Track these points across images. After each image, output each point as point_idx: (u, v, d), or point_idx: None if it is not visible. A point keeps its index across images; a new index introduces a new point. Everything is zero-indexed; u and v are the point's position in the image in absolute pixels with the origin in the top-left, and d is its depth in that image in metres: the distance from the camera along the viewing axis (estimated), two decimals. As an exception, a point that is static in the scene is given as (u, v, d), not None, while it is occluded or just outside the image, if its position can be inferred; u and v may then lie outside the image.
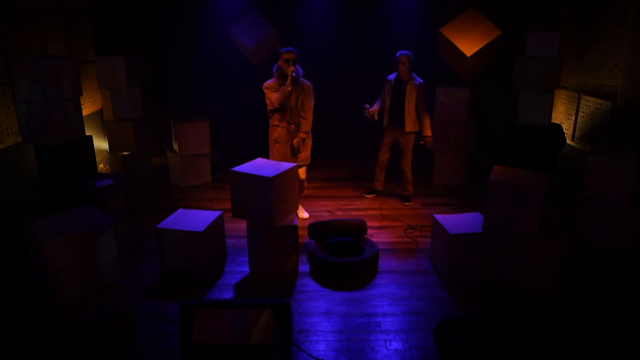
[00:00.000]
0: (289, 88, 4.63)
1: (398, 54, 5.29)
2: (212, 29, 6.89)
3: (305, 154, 4.98)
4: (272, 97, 4.73)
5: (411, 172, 5.61)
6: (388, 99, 5.38)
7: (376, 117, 5.35)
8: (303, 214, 5.26)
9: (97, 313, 2.99)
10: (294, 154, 4.88)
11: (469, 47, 5.72)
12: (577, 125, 5.86)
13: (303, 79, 4.79)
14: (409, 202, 5.69)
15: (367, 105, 5.29)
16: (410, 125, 5.35)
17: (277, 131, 4.87)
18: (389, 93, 5.37)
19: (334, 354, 3.12)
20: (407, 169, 5.57)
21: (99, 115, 6.53)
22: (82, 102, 4.74)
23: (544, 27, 5.71)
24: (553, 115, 6.03)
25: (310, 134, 4.97)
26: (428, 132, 5.41)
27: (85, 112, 5.79)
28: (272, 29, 6.24)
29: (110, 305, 3.08)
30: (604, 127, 5.32)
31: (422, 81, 5.35)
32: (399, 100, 5.33)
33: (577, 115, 5.87)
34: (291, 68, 4.60)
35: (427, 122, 5.40)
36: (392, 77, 5.42)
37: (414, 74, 5.34)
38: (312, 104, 4.83)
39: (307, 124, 4.83)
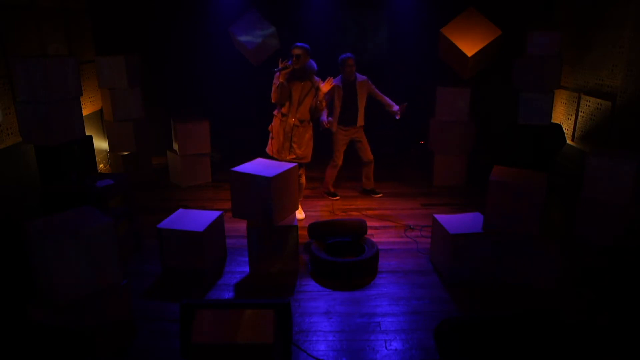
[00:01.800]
0: (277, 82, 4.65)
1: (344, 56, 5.33)
2: (212, 29, 6.89)
3: (305, 152, 4.96)
4: (273, 88, 4.74)
5: None
6: (339, 102, 5.40)
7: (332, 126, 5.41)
8: (300, 214, 5.25)
9: (97, 313, 2.99)
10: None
11: (469, 47, 5.73)
12: (577, 125, 5.86)
13: (317, 78, 4.81)
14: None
15: (330, 119, 5.09)
16: (361, 119, 5.52)
17: (273, 121, 4.92)
18: (339, 97, 5.40)
19: (334, 354, 3.12)
20: (372, 159, 5.71)
21: (99, 115, 6.53)
22: (82, 102, 4.74)
23: (544, 27, 5.70)
24: (553, 115, 6.03)
25: (312, 133, 4.97)
26: (395, 105, 5.46)
27: (85, 112, 5.79)
28: (273, 29, 6.24)
29: (110, 305, 3.07)
30: (604, 127, 5.31)
31: (365, 77, 5.48)
32: (352, 100, 5.43)
33: (577, 115, 5.87)
34: (289, 64, 4.61)
35: (388, 100, 5.52)
36: (336, 81, 5.29)
37: (356, 73, 5.45)
38: (325, 101, 4.90)
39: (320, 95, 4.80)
